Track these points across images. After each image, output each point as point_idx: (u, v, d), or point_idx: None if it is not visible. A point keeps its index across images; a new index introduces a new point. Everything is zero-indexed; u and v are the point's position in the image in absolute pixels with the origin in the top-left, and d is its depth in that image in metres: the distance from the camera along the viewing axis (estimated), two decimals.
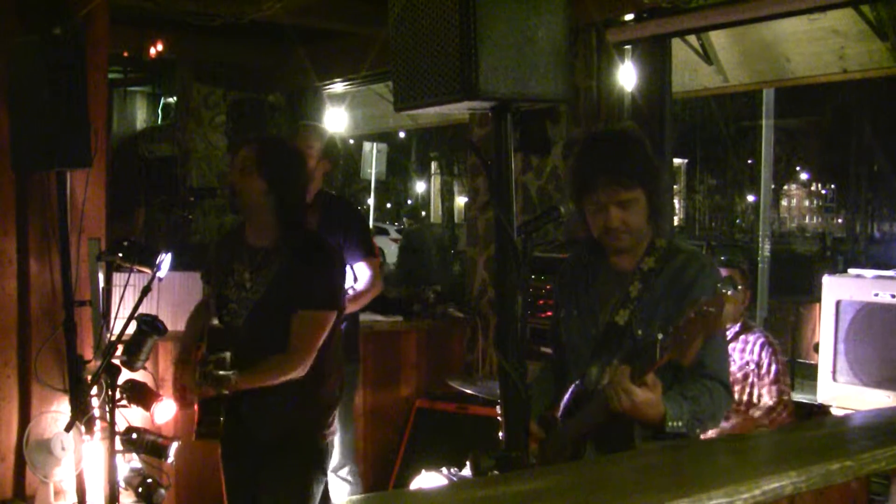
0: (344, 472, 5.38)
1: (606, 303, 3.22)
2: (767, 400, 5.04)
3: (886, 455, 2.13)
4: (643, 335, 3.08)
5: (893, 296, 4.67)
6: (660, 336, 2.77)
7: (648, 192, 3.12)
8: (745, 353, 5.11)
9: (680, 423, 2.90)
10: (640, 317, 3.12)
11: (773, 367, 5.06)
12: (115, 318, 4.88)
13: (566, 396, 3.24)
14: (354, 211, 5.60)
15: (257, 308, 3.88)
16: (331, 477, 5.36)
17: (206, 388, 3.64)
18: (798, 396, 5.28)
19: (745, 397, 5.08)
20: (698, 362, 2.93)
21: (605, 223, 3.12)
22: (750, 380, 5.08)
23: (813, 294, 8.15)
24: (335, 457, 5.25)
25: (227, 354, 3.60)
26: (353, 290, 5.08)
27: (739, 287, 5.03)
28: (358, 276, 5.15)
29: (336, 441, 5.18)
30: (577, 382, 3.21)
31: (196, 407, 3.89)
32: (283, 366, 3.83)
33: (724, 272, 4.95)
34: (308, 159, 5.02)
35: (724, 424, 4.93)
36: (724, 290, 2.66)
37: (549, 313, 4.96)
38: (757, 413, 5.02)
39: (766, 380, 5.05)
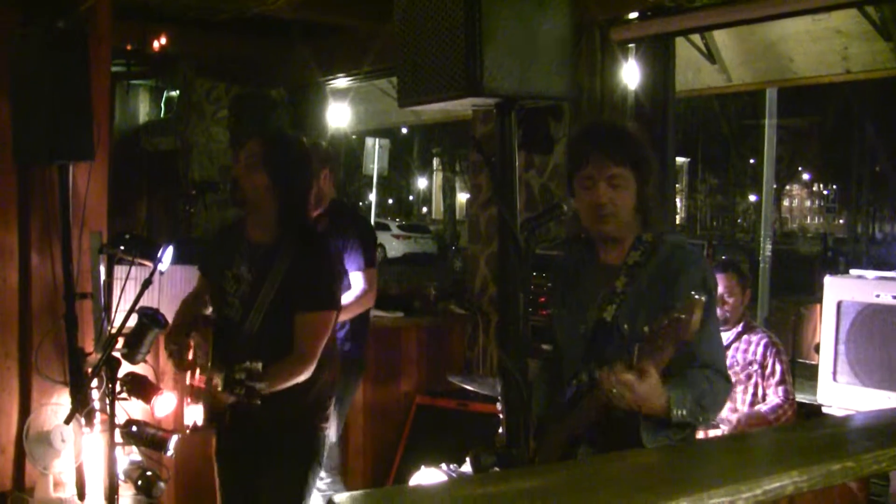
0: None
1: (594, 299, 3.20)
2: (774, 399, 5.04)
3: (887, 456, 2.13)
4: (629, 329, 3.06)
5: (895, 297, 4.68)
6: (638, 343, 2.76)
7: (637, 177, 3.12)
8: (749, 353, 5.11)
9: (684, 412, 2.87)
10: (626, 310, 3.09)
11: (778, 368, 5.06)
12: (116, 311, 4.88)
13: (563, 398, 3.23)
14: (361, 220, 5.53)
15: (270, 310, 3.85)
16: None
17: (231, 395, 3.56)
18: (798, 396, 5.28)
19: (748, 397, 5.08)
20: (691, 355, 2.93)
21: (593, 199, 3.11)
22: (753, 380, 5.08)
23: (814, 294, 8.16)
24: None
25: (260, 365, 3.53)
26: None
27: (738, 287, 5.00)
28: (352, 285, 5.15)
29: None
30: (570, 385, 3.20)
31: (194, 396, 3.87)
32: (291, 371, 3.80)
33: (720, 276, 4.97)
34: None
35: (731, 417, 4.95)
36: (696, 296, 2.64)
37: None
38: (763, 408, 5.02)
39: (772, 381, 5.05)
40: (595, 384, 2.96)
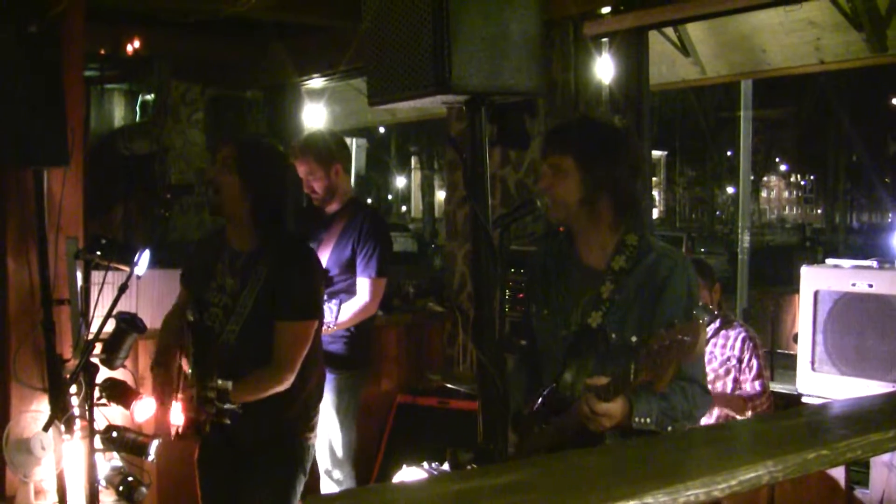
0: (337, 474, 5.36)
1: (578, 303, 3.18)
2: (750, 392, 5.06)
3: (863, 443, 2.14)
4: (616, 339, 3.06)
5: (870, 285, 4.71)
6: (632, 362, 2.77)
7: (581, 167, 3.08)
8: (727, 348, 5.12)
9: (648, 420, 2.90)
10: (613, 319, 3.08)
11: (755, 363, 5.08)
12: (94, 316, 4.85)
13: (541, 398, 3.23)
14: (381, 225, 5.41)
15: (249, 319, 3.84)
16: (323, 478, 5.35)
17: (203, 412, 3.54)
18: (778, 386, 5.31)
19: (728, 392, 5.10)
20: None
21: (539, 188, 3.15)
22: (732, 375, 5.10)
23: (793, 285, 8.20)
24: (326, 458, 5.26)
25: (230, 384, 3.52)
26: (332, 313, 5.05)
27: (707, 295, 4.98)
28: (357, 293, 5.14)
29: (335, 443, 5.20)
30: (551, 386, 3.20)
31: (179, 407, 3.86)
32: (269, 380, 3.79)
33: None
34: (320, 182, 5.06)
35: (717, 411, 4.97)
36: (699, 319, 2.64)
37: None
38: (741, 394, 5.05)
39: (748, 374, 5.07)
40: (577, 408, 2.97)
